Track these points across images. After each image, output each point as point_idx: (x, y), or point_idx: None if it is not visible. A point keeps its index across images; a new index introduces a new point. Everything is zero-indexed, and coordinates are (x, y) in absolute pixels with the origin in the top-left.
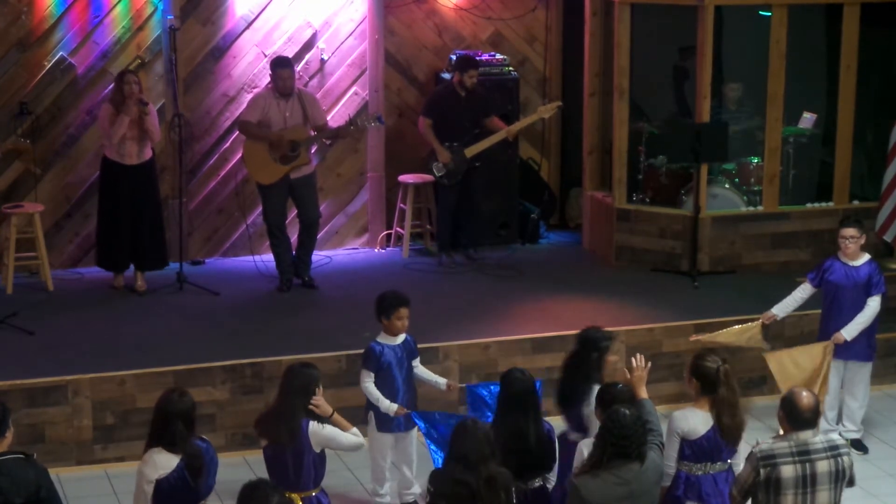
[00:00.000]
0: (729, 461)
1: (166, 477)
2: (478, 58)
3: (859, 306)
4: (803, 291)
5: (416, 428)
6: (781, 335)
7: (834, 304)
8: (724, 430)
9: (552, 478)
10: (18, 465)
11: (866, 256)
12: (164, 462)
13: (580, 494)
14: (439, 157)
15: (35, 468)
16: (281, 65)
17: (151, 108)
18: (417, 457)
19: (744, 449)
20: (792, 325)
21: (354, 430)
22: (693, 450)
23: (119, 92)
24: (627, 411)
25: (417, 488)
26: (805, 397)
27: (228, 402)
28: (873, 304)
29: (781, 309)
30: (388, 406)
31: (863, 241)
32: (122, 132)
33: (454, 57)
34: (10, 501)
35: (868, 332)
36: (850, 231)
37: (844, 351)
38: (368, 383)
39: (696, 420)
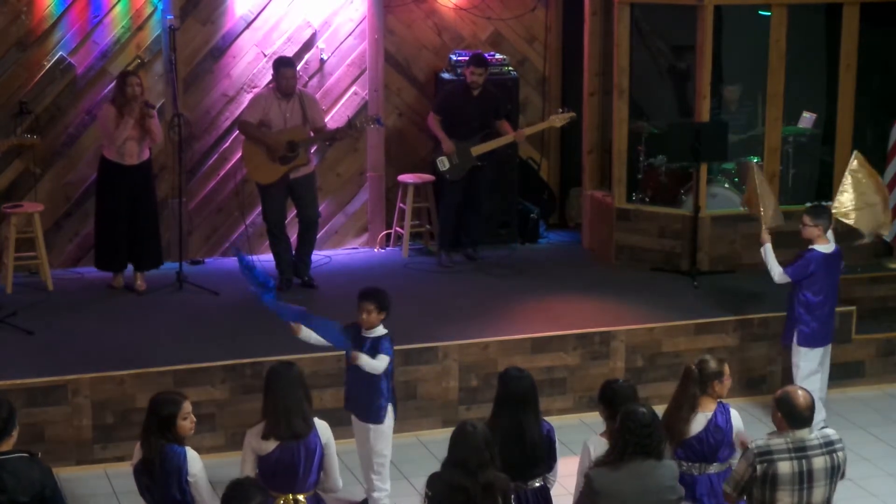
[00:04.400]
0: (730, 461)
1: (135, 466)
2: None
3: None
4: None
5: (384, 424)
6: (773, 332)
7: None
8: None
9: (553, 478)
10: (24, 464)
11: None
12: (137, 452)
13: (592, 486)
14: (444, 147)
15: (40, 467)
16: (284, 64)
17: (155, 111)
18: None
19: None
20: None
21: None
22: (685, 449)
23: (121, 93)
24: (644, 409)
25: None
26: (802, 396)
27: (228, 402)
28: None
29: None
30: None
31: (814, 229)
32: (125, 135)
33: (454, 57)
34: (14, 500)
35: (831, 315)
36: (805, 217)
37: (827, 337)
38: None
39: (693, 421)
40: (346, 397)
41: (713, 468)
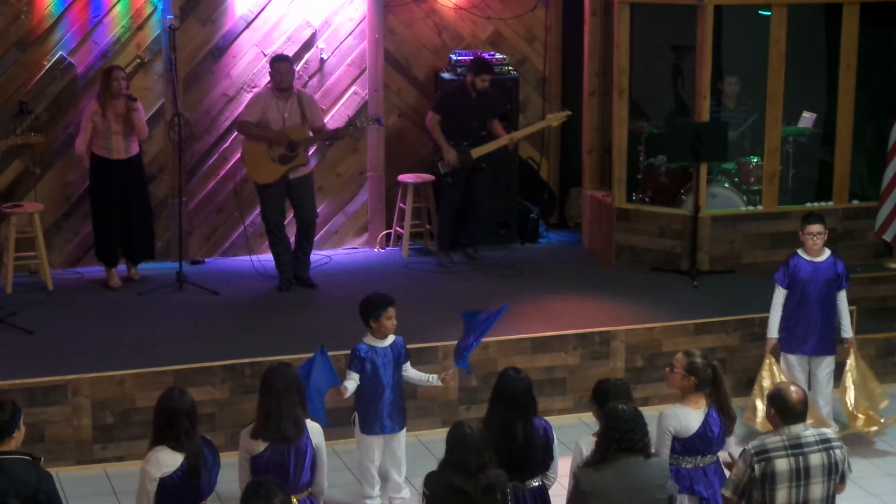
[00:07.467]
0: (718, 453)
1: (170, 475)
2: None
3: (825, 301)
4: (780, 297)
5: (404, 429)
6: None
7: (801, 302)
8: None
9: (553, 476)
10: (20, 466)
11: (827, 251)
12: (168, 460)
13: (579, 486)
14: (446, 157)
15: (38, 471)
16: (279, 59)
17: (139, 104)
18: (407, 459)
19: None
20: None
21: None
22: (685, 446)
23: (106, 88)
24: (625, 407)
25: (407, 493)
26: (794, 391)
27: (228, 402)
28: (844, 297)
29: (774, 329)
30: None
31: (826, 236)
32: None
33: (454, 56)
34: (4, 502)
35: (829, 325)
36: (816, 227)
37: (806, 346)
38: (348, 383)
39: (689, 418)
40: (392, 416)
41: (707, 460)
